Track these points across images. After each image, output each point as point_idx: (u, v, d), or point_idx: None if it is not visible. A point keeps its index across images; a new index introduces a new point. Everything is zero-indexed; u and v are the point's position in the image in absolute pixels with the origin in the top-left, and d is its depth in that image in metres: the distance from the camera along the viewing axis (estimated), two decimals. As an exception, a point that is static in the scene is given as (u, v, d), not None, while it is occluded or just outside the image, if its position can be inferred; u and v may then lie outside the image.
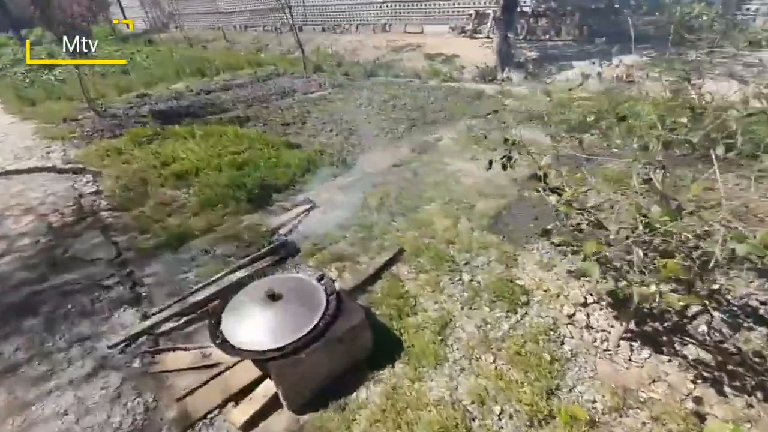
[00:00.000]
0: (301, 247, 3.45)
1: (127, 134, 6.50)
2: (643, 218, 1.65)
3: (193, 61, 12.51)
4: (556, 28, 11.17)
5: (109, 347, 2.52)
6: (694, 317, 2.51)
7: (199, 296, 2.86)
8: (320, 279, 2.52)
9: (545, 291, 2.82)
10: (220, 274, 3.04)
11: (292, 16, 10.65)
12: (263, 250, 3.32)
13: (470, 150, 5.16)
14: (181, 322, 2.73)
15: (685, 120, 2.33)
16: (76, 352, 2.56)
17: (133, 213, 4.24)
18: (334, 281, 2.69)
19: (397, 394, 2.17)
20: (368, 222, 3.72)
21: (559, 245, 3.28)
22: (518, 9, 10.13)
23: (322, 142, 5.89)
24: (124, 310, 2.87)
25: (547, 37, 11.31)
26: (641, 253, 1.62)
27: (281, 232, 3.71)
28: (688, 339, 2.40)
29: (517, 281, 2.92)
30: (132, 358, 2.49)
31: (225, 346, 2.10)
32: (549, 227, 3.47)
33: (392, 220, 3.75)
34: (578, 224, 2.09)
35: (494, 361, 2.34)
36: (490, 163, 2.41)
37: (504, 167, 2.31)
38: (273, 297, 2.27)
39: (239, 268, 3.12)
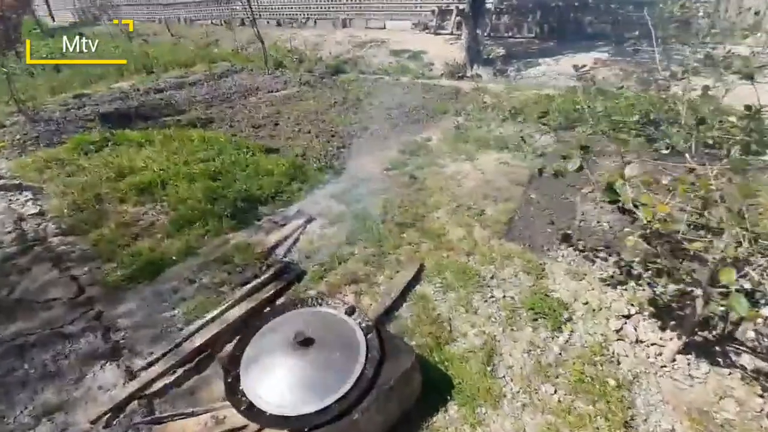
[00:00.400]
0: (306, 269, 3.04)
1: (69, 141, 5.62)
2: (747, 232, 1.46)
3: (137, 56, 11.32)
4: (519, 26, 11.31)
5: (91, 422, 1.98)
6: (738, 322, 2.43)
7: (197, 340, 2.37)
8: (351, 312, 2.15)
9: (585, 304, 2.64)
10: (218, 310, 2.57)
11: (251, 7, 9.88)
12: (264, 277, 2.87)
13: (462, 150, 4.95)
14: (176, 375, 2.25)
15: (734, 119, 2.22)
16: (46, 430, 2.00)
17: (90, 237, 3.58)
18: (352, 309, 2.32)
19: (461, 445, 1.88)
20: (376, 235, 3.37)
21: (583, 251, 3.14)
22: (484, 6, 10.11)
23: (302, 145, 5.41)
24: (100, 368, 2.30)
25: (510, 34, 11.43)
26: (756, 277, 1.44)
27: (278, 252, 3.27)
28: (739, 347, 2.32)
29: (553, 294, 2.72)
30: (123, 433, 1.98)
31: (254, 413, 1.69)
32: (568, 232, 3.35)
33: (402, 232, 3.42)
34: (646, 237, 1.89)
35: (555, 392, 2.11)
36: (540, 171, 2.17)
37: (556, 175, 2.07)
38: (304, 342, 1.87)
39: (240, 300, 2.66)
